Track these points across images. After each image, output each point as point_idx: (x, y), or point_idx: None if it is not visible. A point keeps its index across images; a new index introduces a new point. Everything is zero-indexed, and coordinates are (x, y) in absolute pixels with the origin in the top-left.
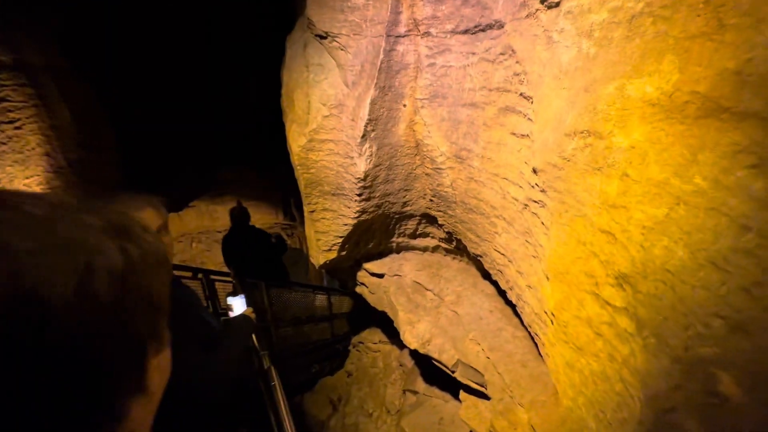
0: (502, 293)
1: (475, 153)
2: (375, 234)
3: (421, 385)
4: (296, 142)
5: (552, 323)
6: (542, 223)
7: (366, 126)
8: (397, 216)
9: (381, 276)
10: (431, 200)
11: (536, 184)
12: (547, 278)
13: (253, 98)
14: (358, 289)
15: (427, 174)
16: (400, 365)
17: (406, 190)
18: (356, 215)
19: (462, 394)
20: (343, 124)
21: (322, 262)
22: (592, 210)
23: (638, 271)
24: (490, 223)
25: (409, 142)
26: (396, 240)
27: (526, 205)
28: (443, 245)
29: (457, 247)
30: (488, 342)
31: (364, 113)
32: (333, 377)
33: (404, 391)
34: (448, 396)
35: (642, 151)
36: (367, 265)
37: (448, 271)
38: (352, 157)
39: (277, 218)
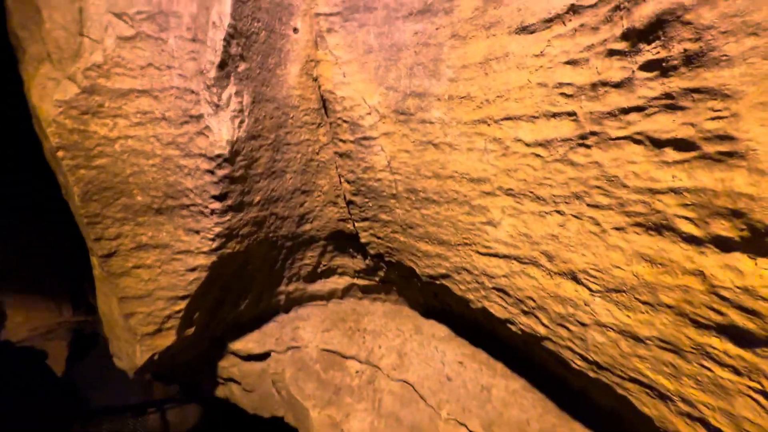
0: (463, 331)
1: (434, 96)
2: (251, 281)
3: None
4: (51, 98)
5: None
6: None
7: (227, 43)
8: (288, 243)
9: (264, 357)
10: (350, 203)
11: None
12: None
13: None
14: (222, 392)
15: (341, 156)
16: None
17: (304, 192)
18: (216, 245)
19: None
20: (172, 51)
21: (142, 361)
22: None
23: None
24: (471, 211)
25: (306, 100)
26: (285, 289)
27: (582, 143)
28: (360, 282)
29: (384, 280)
30: (476, 415)
31: (222, 13)
32: None
33: None
34: None
35: None
36: (237, 345)
37: (372, 320)
38: (199, 117)
39: (61, 315)
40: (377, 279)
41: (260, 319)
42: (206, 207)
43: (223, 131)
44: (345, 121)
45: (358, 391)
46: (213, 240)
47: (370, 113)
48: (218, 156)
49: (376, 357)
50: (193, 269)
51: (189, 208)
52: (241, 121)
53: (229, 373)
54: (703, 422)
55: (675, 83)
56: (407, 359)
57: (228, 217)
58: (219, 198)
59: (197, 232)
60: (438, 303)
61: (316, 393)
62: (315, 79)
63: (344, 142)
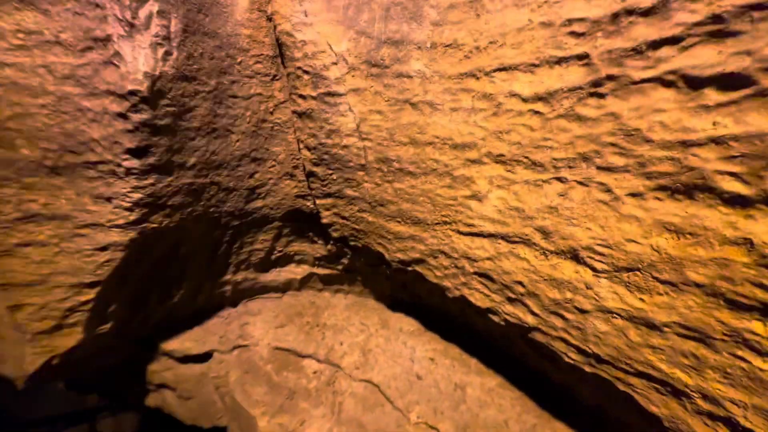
0: (433, 325)
1: (413, 44)
2: (186, 267)
3: None
4: None
5: None
6: None
7: None
8: (235, 223)
9: (205, 358)
10: (310, 176)
11: None
12: None
13: None
14: (153, 400)
15: (300, 115)
16: None
17: (255, 160)
18: (135, 217)
19: None
20: None
21: (34, 366)
22: None
23: None
24: (452, 183)
25: (258, 44)
26: (231, 279)
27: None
28: (320, 271)
29: (347, 269)
30: (449, 417)
31: None
32: None
33: None
34: None
35: None
36: (171, 345)
37: (333, 313)
38: (105, 41)
39: None
40: (340, 267)
41: (200, 314)
42: (119, 165)
43: (139, 60)
44: (306, 72)
45: (315, 395)
46: (130, 210)
47: (336, 63)
48: (132, 93)
49: (337, 355)
50: (103, 248)
51: (97, 167)
52: (167, 53)
53: (162, 378)
54: (729, 422)
55: (728, 1)
56: (372, 357)
57: (150, 180)
58: (136, 153)
59: (108, 199)
60: (407, 295)
61: (266, 398)
62: (269, 18)
63: (304, 98)
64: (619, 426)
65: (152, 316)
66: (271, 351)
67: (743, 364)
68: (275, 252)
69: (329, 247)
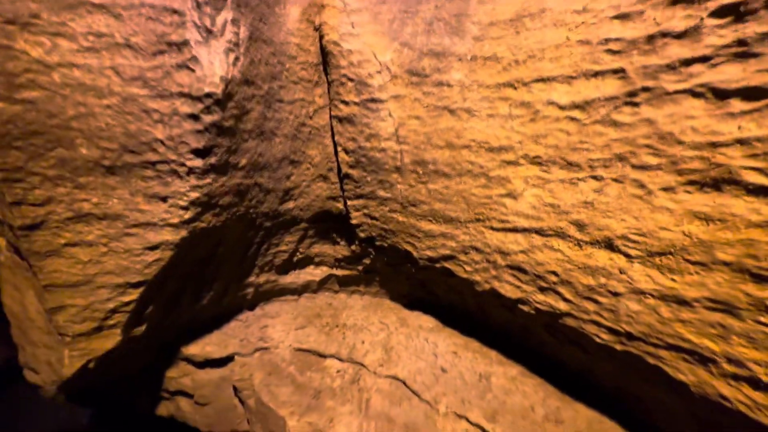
0: (450, 322)
1: (454, 56)
2: (221, 268)
3: None
4: None
5: None
6: None
7: None
8: (268, 224)
9: (225, 362)
10: (344, 178)
11: None
12: None
13: None
14: (165, 409)
15: (341, 120)
16: None
17: (292, 162)
18: (189, 216)
19: None
20: None
21: (72, 370)
22: None
23: None
24: (487, 183)
25: (305, 51)
26: (255, 281)
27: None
28: (339, 272)
29: (367, 269)
30: (477, 406)
31: None
32: None
33: None
34: None
35: None
36: (192, 349)
37: (351, 314)
38: (182, 45)
39: None
40: (360, 268)
41: (220, 318)
42: (182, 165)
43: (215, 65)
44: (350, 79)
45: (341, 393)
46: (186, 209)
47: (380, 71)
48: (208, 96)
49: (360, 353)
50: (154, 247)
51: (156, 166)
52: (236, 58)
53: (179, 385)
54: (752, 381)
55: (751, 28)
56: (395, 353)
57: (208, 180)
58: (201, 153)
59: (164, 199)
60: (425, 293)
61: (293, 398)
62: (317, 29)
63: (347, 104)
64: (636, 402)
65: (181, 319)
66: (293, 352)
67: (766, 329)
68: (297, 254)
69: (353, 247)
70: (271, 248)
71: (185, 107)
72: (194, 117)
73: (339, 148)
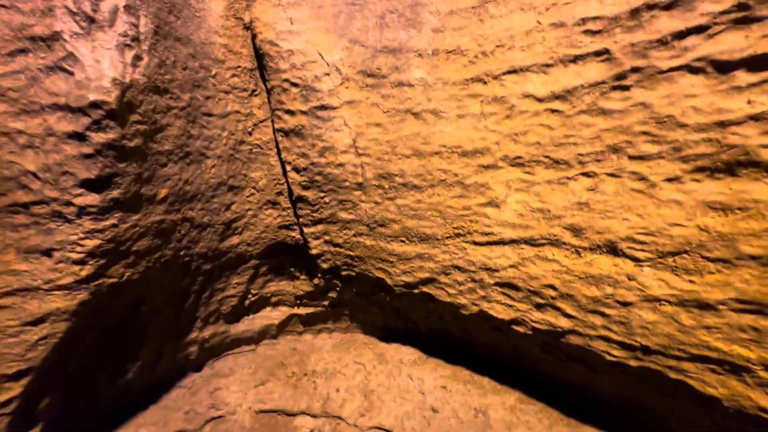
0: (433, 350)
1: (413, 51)
2: (146, 331)
3: None
4: None
5: None
6: None
7: None
8: (207, 267)
9: None
10: (298, 201)
11: None
12: None
13: None
14: None
15: (288, 134)
16: None
17: (232, 189)
18: (87, 272)
19: None
20: None
21: None
22: None
23: None
24: (464, 192)
25: (235, 55)
26: (198, 336)
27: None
28: (302, 311)
29: (334, 303)
30: None
31: None
32: None
33: None
34: None
35: None
36: None
37: (321, 357)
38: (51, 40)
39: None
40: (326, 303)
41: (157, 388)
42: (68, 204)
43: (104, 64)
44: (294, 84)
45: None
46: (82, 263)
47: (329, 74)
48: (95, 106)
49: (335, 405)
50: (38, 321)
51: (29, 209)
52: (137, 57)
53: None
54: None
55: None
56: (377, 398)
57: (112, 221)
58: (96, 185)
59: (47, 252)
60: (401, 322)
61: None
62: (247, 27)
63: (292, 113)
64: (647, 415)
65: (99, 403)
66: (254, 416)
67: None
68: (249, 296)
69: (316, 281)
70: (215, 295)
71: (62, 124)
72: (78, 136)
73: (288, 167)
